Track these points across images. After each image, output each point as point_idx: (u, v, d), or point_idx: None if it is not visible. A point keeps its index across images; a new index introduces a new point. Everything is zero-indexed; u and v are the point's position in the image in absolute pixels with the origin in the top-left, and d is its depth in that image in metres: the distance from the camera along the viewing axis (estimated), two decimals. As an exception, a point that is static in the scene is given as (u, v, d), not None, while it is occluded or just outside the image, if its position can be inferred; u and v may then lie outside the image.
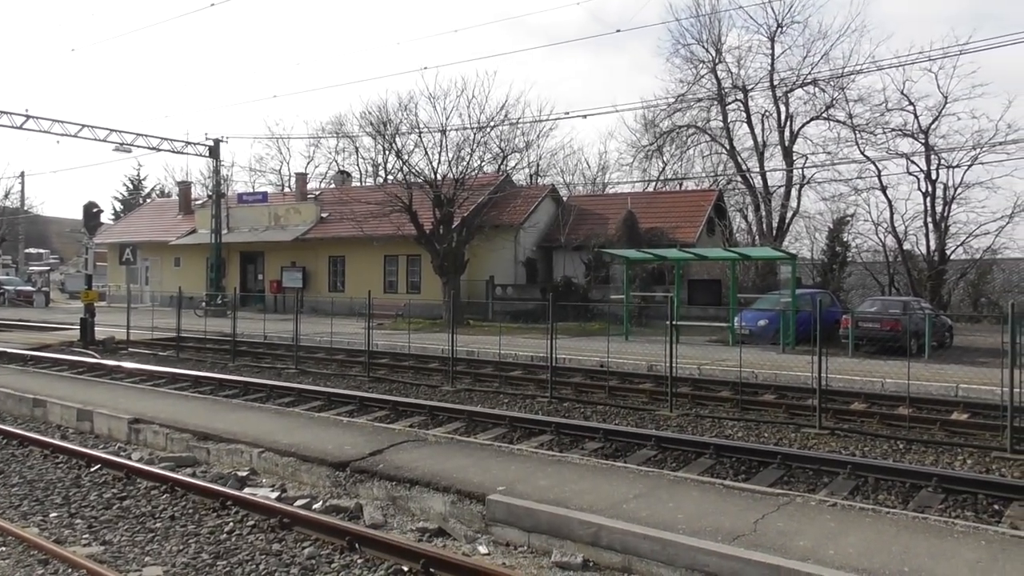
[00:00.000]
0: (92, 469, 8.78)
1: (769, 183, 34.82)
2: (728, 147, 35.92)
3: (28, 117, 30.55)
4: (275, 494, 7.83)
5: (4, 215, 50.07)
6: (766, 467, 8.90)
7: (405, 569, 5.87)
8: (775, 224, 34.18)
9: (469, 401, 13.71)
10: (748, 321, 21.75)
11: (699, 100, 35.80)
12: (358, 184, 49.52)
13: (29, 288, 49.32)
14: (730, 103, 35.32)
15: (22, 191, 51.72)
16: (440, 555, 5.93)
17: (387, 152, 31.16)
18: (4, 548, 6.21)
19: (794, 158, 34.39)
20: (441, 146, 29.25)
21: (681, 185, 41.64)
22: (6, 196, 50.97)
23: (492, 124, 29.58)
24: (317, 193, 43.14)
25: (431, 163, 29.47)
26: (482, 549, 6.43)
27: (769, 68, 34.07)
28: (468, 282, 31.03)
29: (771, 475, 8.61)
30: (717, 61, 35.19)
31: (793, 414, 12.34)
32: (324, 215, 38.09)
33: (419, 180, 29.76)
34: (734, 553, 5.45)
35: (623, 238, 30.37)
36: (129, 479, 8.33)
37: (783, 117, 34.38)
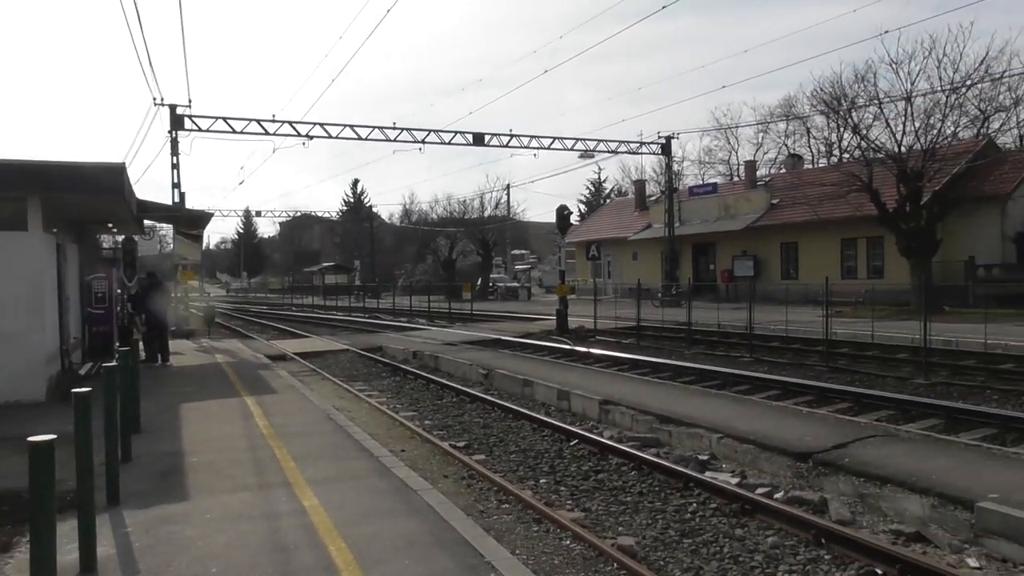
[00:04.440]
0: (571, 443, 9.84)
1: None
2: None
3: (512, 136, 35.38)
4: (735, 480, 7.91)
5: (494, 222, 58.62)
6: None
7: (879, 572, 5.49)
8: None
9: (947, 396, 12.23)
10: None
11: None
12: (810, 166, 47.35)
13: (515, 284, 57.29)
14: None
15: (508, 201, 60.00)
16: (920, 561, 5.42)
17: (842, 129, 29.28)
18: (507, 506, 7.31)
19: None
20: (906, 115, 26.48)
21: None
22: (496, 206, 59.58)
23: (969, 83, 25.88)
24: (767, 179, 42.36)
25: (893, 135, 26.91)
26: (971, 562, 5.70)
27: None
28: (941, 263, 27.59)
29: None
30: None
31: None
32: (775, 201, 37.23)
33: (879, 155, 27.36)
34: None
35: None
36: (602, 455, 9.15)
37: None
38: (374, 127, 33.12)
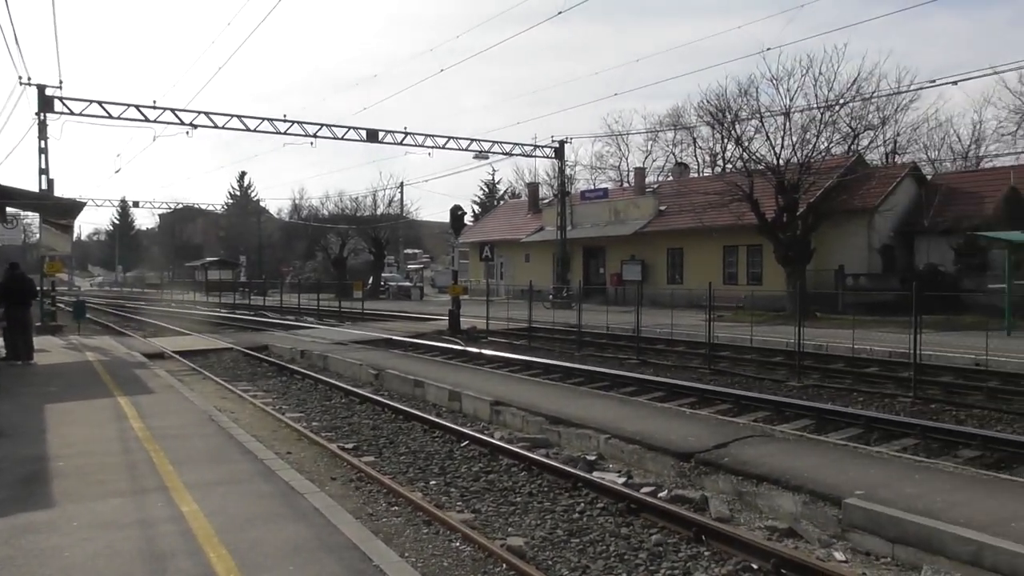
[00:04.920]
0: (462, 444, 9.82)
1: None
2: None
3: (406, 134, 35.09)
4: (622, 479, 8.10)
5: (387, 221, 57.94)
6: None
7: (754, 567, 5.73)
8: None
9: (819, 398, 12.93)
10: None
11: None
12: (696, 175, 49.17)
13: (407, 284, 56.81)
14: None
15: (401, 199, 59.42)
16: (792, 556, 5.69)
17: (726, 140, 30.57)
18: (396, 508, 7.22)
19: None
20: (784, 129, 27.86)
21: (1082, 153, 35.03)
22: (389, 204, 58.90)
23: (842, 102, 27.46)
24: (655, 186, 43.68)
25: (773, 148, 28.23)
26: (838, 556, 6.04)
27: None
28: (815, 272, 29.19)
29: None
30: None
31: None
32: (662, 208, 38.43)
33: (760, 167, 28.68)
34: None
35: (1004, 219, 26.27)
36: (493, 456, 9.18)
37: None
38: (263, 119, 32.12)
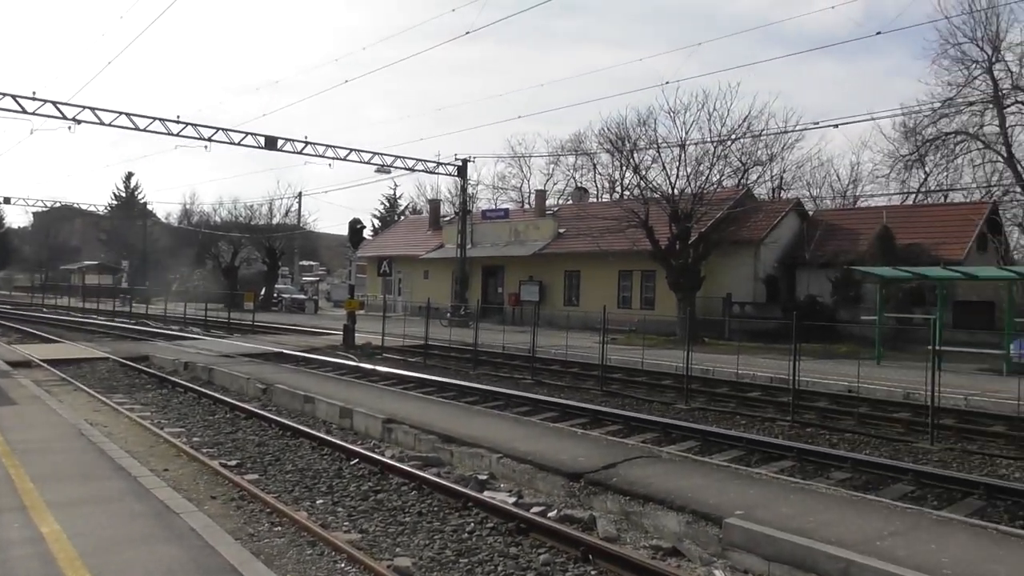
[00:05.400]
0: (352, 462, 9.61)
1: (1057, 194, 30.69)
2: (1005, 155, 32.11)
3: (307, 143, 34.29)
4: (512, 499, 8.10)
5: (283, 231, 56.49)
6: (1053, 516, 7.78)
7: (638, 586, 5.82)
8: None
9: (704, 420, 13.35)
10: (1028, 349, 19.18)
11: (971, 104, 32.42)
12: (595, 200, 50.20)
13: (302, 296, 55.46)
14: (1008, 106, 31.66)
15: (299, 209, 58.04)
16: (675, 575, 5.81)
17: (624, 168, 31.39)
18: (280, 528, 6.97)
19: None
20: (680, 161, 28.88)
21: (946, 197, 37.83)
22: (286, 214, 57.45)
23: (734, 137, 28.72)
24: (555, 209, 44.32)
25: (668, 178, 29.21)
26: (718, 574, 6.21)
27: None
28: (704, 299, 30.25)
29: (1060, 526, 7.50)
30: (994, 60, 31.73)
31: (1088, 458, 10.68)
32: (561, 231, 39.02)
33: (656, 195, 29.58)
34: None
35: (876, 255, 28.03)
36: (383, 474, 9.01)
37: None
38: (155, 118, 30.69)
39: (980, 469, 10.13)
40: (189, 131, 31.27)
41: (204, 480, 8.47)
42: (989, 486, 8.52)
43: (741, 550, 6.35)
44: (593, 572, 6.14)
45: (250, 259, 57.48)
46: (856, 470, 9.45)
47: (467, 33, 22.15)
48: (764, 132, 29.17)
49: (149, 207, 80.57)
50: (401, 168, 37.83)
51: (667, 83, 40.19)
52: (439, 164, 39.19)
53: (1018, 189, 32.75)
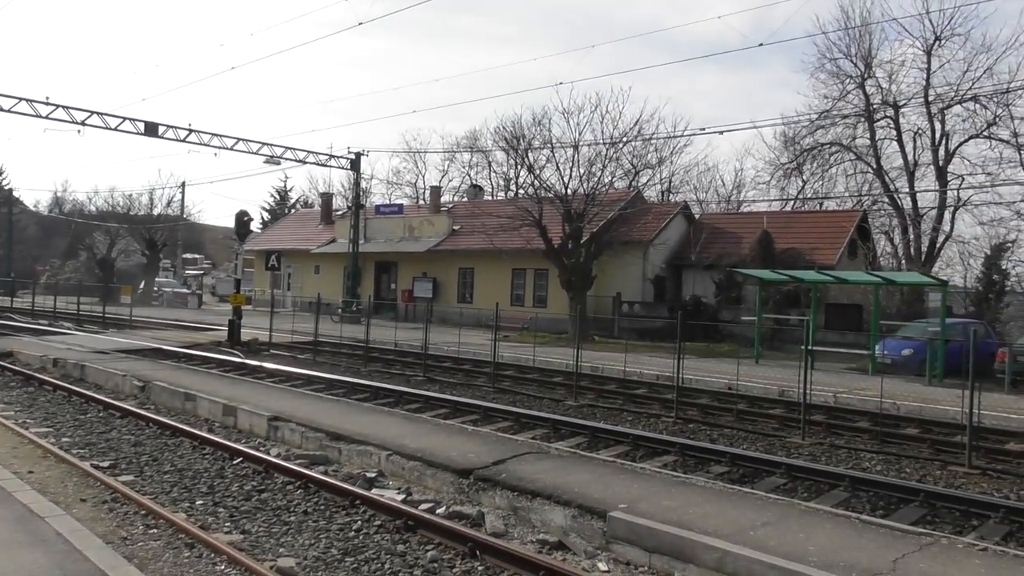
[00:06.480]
0: (235, 462, 9.32)
1: (919, 205, 33.00)
2: (875, 166, 34.30)
3: (191, 131, 32.91)
4: (401, 496, 8.05)
5: (166, 222, 54.11)
6: (907, 504, 8.38)
7: (525, 580, 5.89)
8: (924, 248, 32.26)
9: (592, 417, 13.64)
10: (891, 350, 20.62)
11: (844, 117, 34.41)
12: (490, 198, 50.45)
13: (184, 290, 53.23)
14: (879, 120, 33.75)
15: (182, 200, 55.71)
16: (560, 568, 5.92)
17: (519, 166, 31.81)
18: (156, 531, 6.68)
19: (948, 179, 32.41)
20: (573, 161, 29.41)
21: (821, 205, 40.06)
22: (168, 204, 55.06)
23: (625, 140, 29.48)
24: (450, 206, 44.25)
25: (562, 178, 29.69)
26: (602, 566, 6.37)
27: (924, 83, 32.33)
28: (595, 298, 30.92)
29: (912, 513, 8.09)
30: (866, 76, 33.75)
31: (939, 450, 11.55)
32: (456, 228, 39.00)
33: (550, 195, 29.99)
34: (871, 592, 5.15)
35: (757, 258, 29.43)
36: (267, 473, 8.78)
37: (938, 135, 32.49)
38: (20, 98, 28.73)
39: (846, 462, 10.78)
40: (60, 114, 29.47)
41: (73, 482, 8.02)
42: (853, 478, 9.08)
43: (624, 543, 6.53)
44: (480, 568, 6.18)
45: (128, 251, 54.81)
46: (734, 464, 9.88)
47: (360, 24, 21.83)
48: (654, 136, 30.11)
49: (15, 194, 75.41)
50: (291, 160, 36.94)
51: (561, 84, 41.13)
52: (332, 157, 38.46)
53: (886, 199, 34.97)
